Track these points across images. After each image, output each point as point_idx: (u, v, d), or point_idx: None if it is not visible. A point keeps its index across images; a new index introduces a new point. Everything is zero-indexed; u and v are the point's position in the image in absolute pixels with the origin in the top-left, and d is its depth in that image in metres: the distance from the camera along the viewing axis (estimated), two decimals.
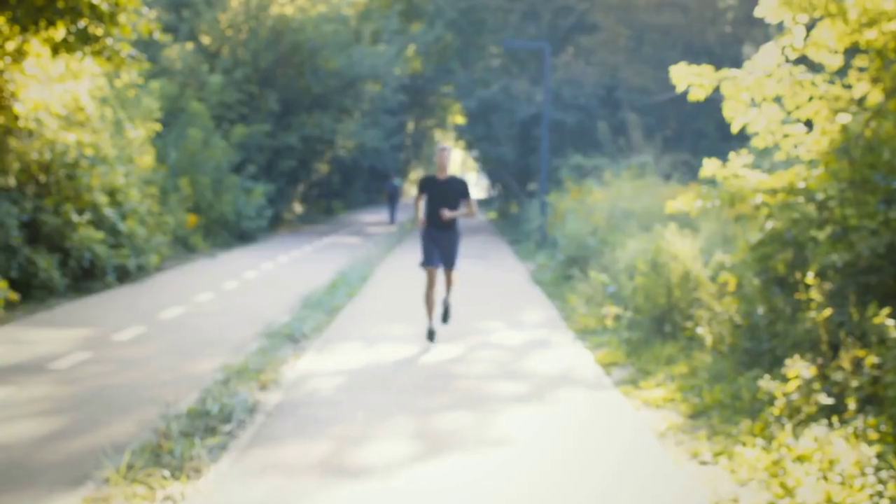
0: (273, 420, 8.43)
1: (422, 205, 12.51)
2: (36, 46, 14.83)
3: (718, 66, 30.40)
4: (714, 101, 10.65)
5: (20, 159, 16.18)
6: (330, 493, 6.50)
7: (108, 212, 18.39)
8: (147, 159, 22.73)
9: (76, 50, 14.01)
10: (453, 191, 12.34)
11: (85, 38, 13.72)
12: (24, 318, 13.86)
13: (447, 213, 12.18)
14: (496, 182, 52.89)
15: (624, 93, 34.88)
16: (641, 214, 18.12)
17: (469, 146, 49.93)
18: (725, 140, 28.89)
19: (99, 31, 13.75)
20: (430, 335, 12.40)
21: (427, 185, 12.42)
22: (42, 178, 16.83)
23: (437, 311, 13.29)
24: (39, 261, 15.75)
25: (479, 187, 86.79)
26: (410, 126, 66.10)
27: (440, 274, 12.81)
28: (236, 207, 30.02)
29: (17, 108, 15.37)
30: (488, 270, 22.64)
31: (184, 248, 25.52)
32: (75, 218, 16.87)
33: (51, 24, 13.64)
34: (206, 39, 35.07)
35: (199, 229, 27.41)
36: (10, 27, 14.14)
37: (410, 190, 79.86)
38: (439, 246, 12.43)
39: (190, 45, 33.44)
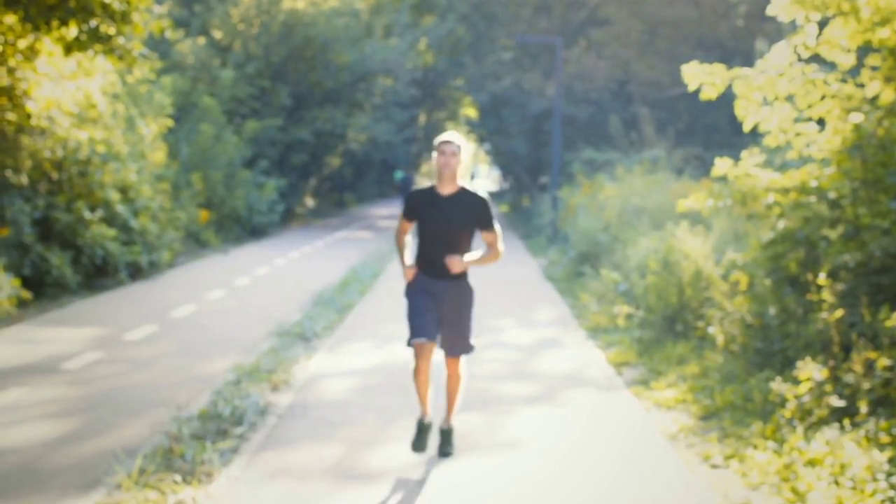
0: (284, 422, 8.44)
1: (409, 241, 7.41)
2: (48, 45, 14.86)
3: (730, 60, 30.31)
4: (726, 95, 10.63)
5: (32, 157, 16.22)
6: (341, 497, 6.51)
7: (121, 208, 18.43)
8: (159, 155, 22.76)
9: (88, 48, 14.03)
10: (463, 217, 7.12)
11: (97, 37, 13.74)
12: (37, 317, 13.90)
13: (456, 263, 7.06)
14: (508, 175, 52.85)
15: (636, 87, 34.80)
16: (653, 211, 18.09)
17: (481, 140, 49.86)
18: (738, 134, 28.79)
19: (111, 30, 13.76)
20: (420, 439, 7.27)
21: (418, 207, 7.20)
22: (54, 175, 16.87)
23: (433, 395, 7.83)
24: (52, 258, 15.79)
25: (490, 179, 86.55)
26: (422, 119, 66.05)
27: (438, 348, 7.36)
28: (248, 202, 30.05)
29: (30, 106, 15.40)
30: (500, 265, 22.63)
31: (196, 243, 25.56)
32: (87, 215, 16.91)
33: (63, 23, 13.66)
34: (217, 34, 35.07)
35: (211, 225, 27.45)
36: (23, 26, 14.16)
37: (422, 183, 79.36)
38: (436, 305, 7.24)
39: (201, 40, 33.45)
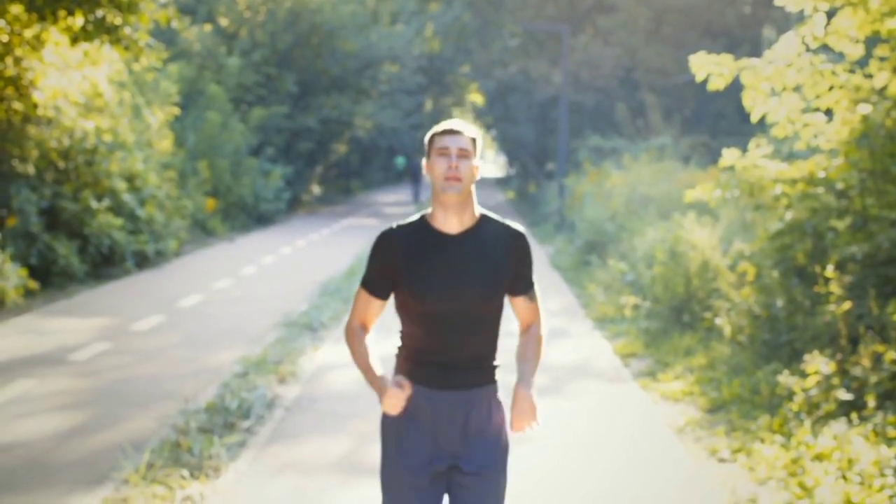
0: (292, 415, 8.45)
1: (368, 345, 4.03)
2: (54, 35, 14.85)
3: (738, 48, 30.19)
4: (734, 83, 10.57)
5: (39, 146, 16.22)
6: (349, 491, 6.52)
7: (127, 197, 18.44)
8: (165, 143, 22.74)
9: (94, 38, 14.01)
10: (492, 273, 3.92)
11: (103, 27, 13.72)
12: (44, 307, 13.92)
13: (527, 413, 3.89)
14: (514, 161, 52.84)
15: (642, 74, 34.70)
16: (660, 200, 18.05)
17: (487, 127, 49.79)
18: (745, 121, 28.72)
19: (117, 20, 13.75)
20: None
21: (401, 261, 3.92)
22: (61, 164, 16.88)
23: None
24: (59, 247, 15.80)
25: (496, 165, 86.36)
26: (428, 105, 65.96)
27: None
28: (255, 190, 30.04)
29: (36, 95, 15.39)
30: None
31: (202, 231, 25.57)
32: (94, 204, 16.92)
33: (69, 12, 13.64)
34: (223, 21, 35.01)
35: (218, 213, 27.45)
36: (29, 15, 14.14)
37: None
38: (443, 474, 3.98)
39: (208, 28, 33.40)
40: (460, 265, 3.88)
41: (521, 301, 4.04)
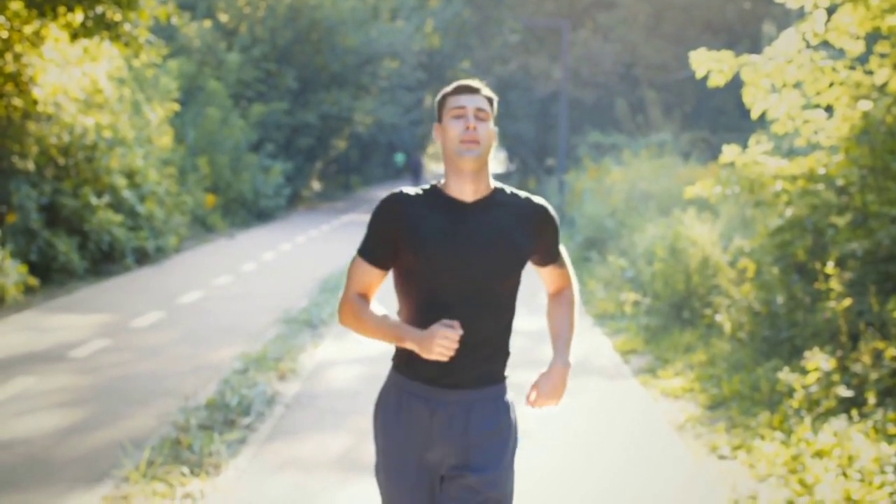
0: (292, 412, 8.45)
1: (372, 313, 3.55)
2: (54, 31, 14.83)
3: (738, 44, 30.16)
4: (734, 79, 10.56)
5: (39, 143, 16.21)
6: (349, 489, 6.52)
7: (127, 194, 18.44)
8: (165, 139, 22.74)
9: (94, 35, 14.00)
10: (511, 245, 3.52)
11: (103, 24, 13.71)
12: (44, 304, 13.92)
13: (550, 390, 3.64)
14: (514, 157, 52.84)
15: (642, 70, 34.70)
16: (660, 196, 18.05)
17: None
18: (745, 117, 28.71)
19: (117, 17, 13.73)
20: None
21: (409, 230, 3.49)
22: (61, 161, 16.87)
23: None
24: (59, 244, 15.80)
25: (496, 160, 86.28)
26: (428, 101, 65.94)
27: None
28: (254, 186, 30.05)
29: (36, 92, 15.37)
30: None
31: (202, 227, 25.57)
32: (94, 200, 16.92)
33: (69, 9, 13.63)
34: (223, 17, 35.00)
35: (218, 209, 27.45)
36: (29, 12, 14.13)
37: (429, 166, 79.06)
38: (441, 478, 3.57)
39: (207, 24, 33.38)
40: (474, 234, 3.47)
41: (551, 270, 3.75)
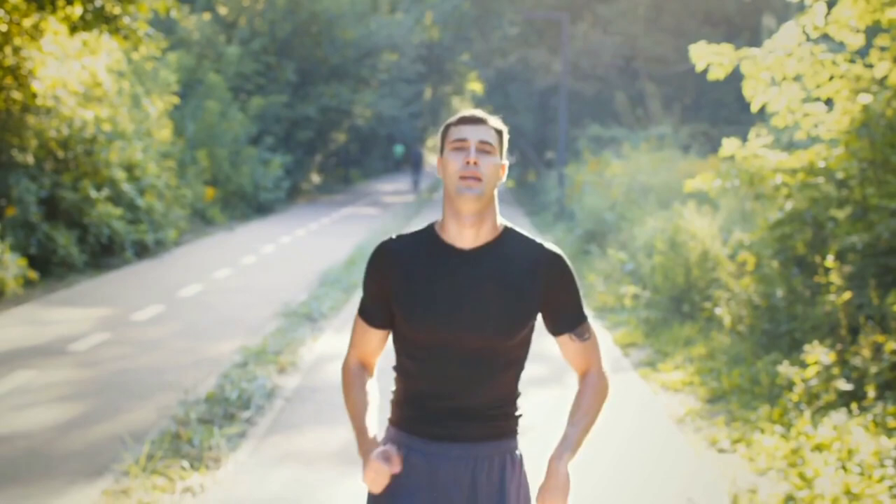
0: (291, 405, 8.45)
1: (371, 389, 3.24)
2: (53, 24, 14.81)
3: (737, 36, 30.09)
4: (734, 72, 10.55)
5: (38, 136, 16.20)
6: (349, 481, 6.52)
7: (126, 187, 18.43)
8: (164, 132, 22.73)
9: (93, 28, 13.98)
10: (517, 301, 3.09)
11: (102, 17, 13.69)
12: (44, 297, 13.92)
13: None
14: (514, 150, 52.87)
15: (642, 63, 34.67)
16: (660, 189, 18.05)
17: None
18: (745, 110, 28.69)
19: (116, 10, 13.72)
20: None
21: (402, 283, 3.13)
22: (60, 154, 16.86)
23: None
24: (58, 237, 15.80)
25: None
26: (428, 94, 65.94)
27: None
28: (254, 179, 30.02)
29: (35, 85, 15.36)
30: None
31: (202, 220, 25.56)
32: (93, 194, 16.90)
33: (68, 2, 13.61)
34: (223, 10, 34.95)
35: (217, 202, 27.44)
36: (28, 5, 14.11)
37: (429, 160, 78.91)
38: None
39: (207, 16, 33.35)
40: (473, 288, 3.05)
41: (566, 341, 3.18)
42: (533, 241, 3.12)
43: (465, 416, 3.10)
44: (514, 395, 3.17)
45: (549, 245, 3.12)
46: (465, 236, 3.09)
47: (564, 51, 29.59)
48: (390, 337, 3.22)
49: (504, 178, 3.11)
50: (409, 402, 3.15)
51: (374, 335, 3.19)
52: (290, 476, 6.62)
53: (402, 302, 3.09)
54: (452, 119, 3.15)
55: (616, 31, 35.63)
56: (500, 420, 3.15)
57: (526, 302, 3.07)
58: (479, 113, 3.12)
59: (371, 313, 3.18)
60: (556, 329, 3.17)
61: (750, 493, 6.38)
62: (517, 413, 3.20)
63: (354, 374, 3.23)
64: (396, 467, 3.06)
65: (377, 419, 3.16)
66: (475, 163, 3.03)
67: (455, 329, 3.04)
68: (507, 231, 3.13)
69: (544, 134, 40.52)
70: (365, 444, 3.10)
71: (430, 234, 3.14)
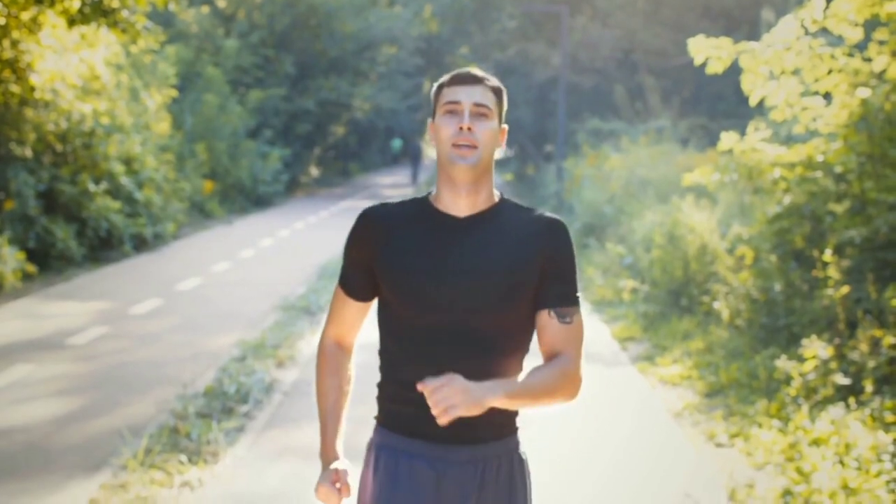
0: (290, 399, 8.46)
1: (348, 376, 3.09)
2: (51, 17, 14.79)
3: (736, 30, 30.08)
4: (732, 65, 10.54)
5: (36, 129, 16.18)
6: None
7: (125, 180, 18.43)
8: (163, 126, 22.71)
9: (91, 21, 13.95)
10: (513, 270, 2.78)
11: (100, 10, 13.67)
12: (42, 291, 13.91)
13: (458, 393, 2.57)
14: (512, 143, 52.84)
15: (641, 56, 34.64)
16: (659, 183, 18.04)
17: None
18: (743, 103, 28.65)
19: (114, 3, 13.69)
20: None
21: (391, 251, 2.84)
22: (58, 147, 16.85)
23: None
24: (57, 231, 15.80)
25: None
26: (427, 87, 65.88)
27: None
28: (253, 172, 30.01)
29: (33, 78, 15.34)
30: None
31: (200, 214, 25.55)
32: (92, 187, 16.90)
33: None
34: (221, 3, 34.91)
35: (216, 195, 27.42)
36: None
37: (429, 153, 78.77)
38: None
39: (205, 9, 33.31)
40: (468, 257, 2.76)
41: (545, 319, 2.79)
42: (532, 210, 2.86)
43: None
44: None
45: (550, 214, 2.86)
46: (460, 205, 2.82)
47: (563, 44, 29.57)
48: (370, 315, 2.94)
49: (504, 145, 2.84)
50: (401, 394, 2.81)
51: (352, 307, 2.93)
52: (288, 470, 6.63)
53: (388, 271, 2.80)
54: (445, 78, 2.85)
55: (615, 24, 35.61)
56: (505, 414, 2.84)
57: (526, 271, 2.76)
58: (474, 71, 2.82)
59: (352, 283, 2.90)
60: (538, 302, 2.78)
61: (747, 488, 6.39)
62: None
63: (330, 354, 3.01)
64: (346, 494, 2.82)
65: (344, 416, 2.96)
66: (469, 129, 2.75)
67: (449, 302, 2.73)
68: (505, 201, 2.88)
69: (543, 127, 40.48)
70: (325, 450, 2.94)
71: (422, 202, 2.88)
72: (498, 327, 2.77)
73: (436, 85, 2.87)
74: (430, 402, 2.54)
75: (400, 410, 2.83)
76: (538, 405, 2.75)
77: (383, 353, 2.88)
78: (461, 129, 2.75)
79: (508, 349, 2.80)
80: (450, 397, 2.53)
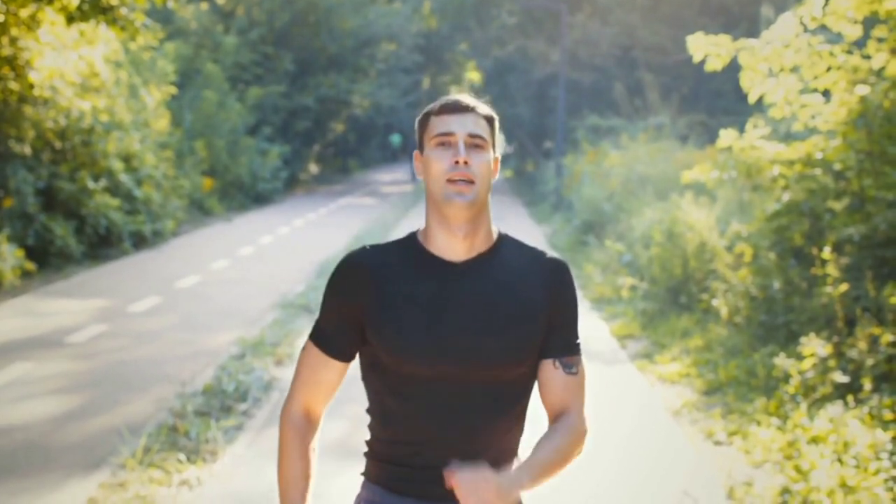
0: None
1: (294, 471, 2.67)
2: (50, 14, 14.78)
3: (735, 26, 30.05)
4: (732, 62, 10.55)
5: (35, 127, 16.18)
6: (346, 474, 6.52)
7: (124, 177, 18.43)
8: (162, 123, 22.70)
9: (90, 18, 13.95)
10: (517, 323, 2.53)
11: (99, 8, 13.66)
12: (41, 288, 13.91)
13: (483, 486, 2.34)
14: (512, 140, 52.84)
15: (640, 52, 34.62)
16: (658, 180, 18.04)
17: None
18: (742, 100, 28.63)
19: (113, 1, 13.69)
20: None
21: (376, 303, 2.53)
22: (57, 144, 16.85)
23: None
24: (56, 228, 15.80)
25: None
26: (426, 83, 65.86)
27: None
28: (252, 169, 30.00)
29: (32, 76, 15.34)
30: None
31: (200, 211, 25.54)
32: (91, 184, 16.90)
33: None
34: None
35: (215, 192, 27.42)
36: None
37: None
38: None
39: (204, 6, 33.29)
40: (470, 307, 2.50)
41: (549, 369, 2.59)
42: (534, 249, 2.63)
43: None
44: (518, 441, 2.64)
45: (552, 253, 2.65)
46: (457, 248, 2.54)
47: (563, 40, 29.56)
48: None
49: (497, 175, 2.59)
50: (394, 453, 2.55)
51: (331, 369, 2.58)
52: None
53: (381, 327, 2.49)
54: (433, 106, 2.58)
55: (614, 20, 35.59)
56: (507, 465, 2.58)
57: (534, 319, 2.54)
58: (464, 99, 2.57)
59: (332, 340, 2.56)
60: (542, 351, 2.58)
61: (746, 486, 6.39)
62: (518, 456, 2.63)
63: (296, 430, 2.62)
64: None
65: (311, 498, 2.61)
66: (465, 162, 2.48)
67: (453, 357, 2.47)
68: (503, 239, 2.62)
69: (542, 124, 40.47)
70: None
71: (410, 244, 2.59)
72: (503, 380, 2.53)
73: (421, 114, 2.61)
74: (459, 495, 2.34)
75: (396, 470, 2.56)
76: (557, 475, 2.63)
77: (377, 410, 2.58)
78: (457, 162, 2.48)
79: (519, 398, 2.58)
80: (482, 493, 2.33)
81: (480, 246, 2.56)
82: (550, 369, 2.58)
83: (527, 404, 2.62)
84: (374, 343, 2.51)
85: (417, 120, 2.61)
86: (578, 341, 2.63)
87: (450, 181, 2.48)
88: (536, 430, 2.68)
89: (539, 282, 2.57)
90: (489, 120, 2.58)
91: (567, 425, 2.60)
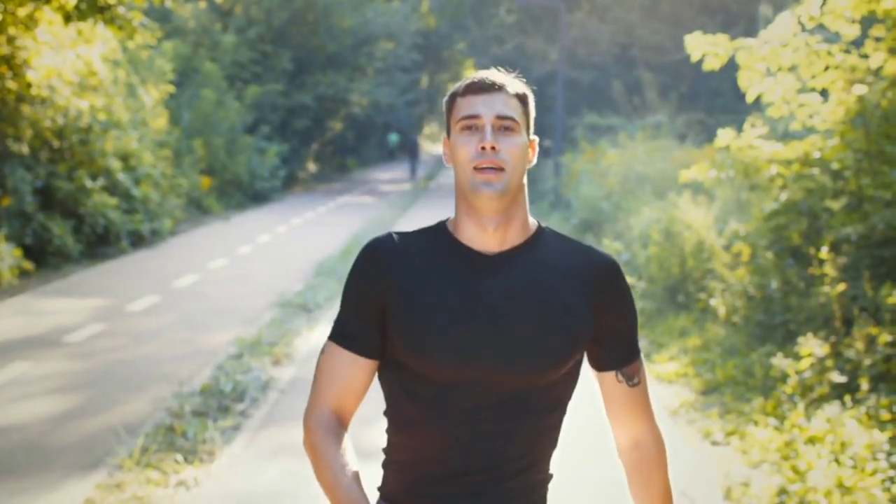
0: (286, 397, 8.45)
1: (336, 464, 2.26)
2: (48, 14, 14.78)
3: (734, 25, 30.07)
4: (730, 61, 10.55)
5: (33, 126, 16.18)
6: None
7: (122, 176, 18.42)
8: (160, 121, 22.69)
9: (88, 17, 13.94)
10: (544, 320, 2.26)
11: (96, 7, 13.66)
12: (39, 287, 13.91)
13: None
14: None
15: (639, 51, 34.63)
16: (656, 179, 18.05)
17: None
18: (740, 99, 28.63)
19: (111, 0, 13.69)
20: None
21: (400, 300, 2.28)
22: (55, 144, 16.84)
23: None
24: (53, 227, 15.79)
25: None
26: (424, 82, 65.87)
27: None
28: (250, 168, 29.99)
29: (30, 75, 15.34)
30: None
31: (198, 210, 25.53)
32: (89, 183, 16.89)
33: None
34: None
35: (213, 191, 27.41)
36: None
37: (429, 148, 78.56)
38: None
39: (203, 4, 33.28)
40: (504, 305, 2.26)
41: (611, 381, 2.41)
42: (579, 244, 2.38)
43: (496, 481, 2.26)
44: (553, 448, 2.41)
45: (601, 250, 2.39)
46: (489, 239, 2.31)
47: (561, 39, 29.54)
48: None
49: (534, 161, 2.36)
50: (416, 463, 2.28)
51: (358, 367, 2.30)
52: (284, 469, 6.63)
53: (404, 323, 2.26)
54: (459, 86, 2.34)
55: (613, 19, 35.60)
56: (536, 481, 2.35)
57: (575, 322, 2.29)
58: (492, 76, 2.32)
59: (356, 336, 2.30)
60: (600, 363, 2.39)
61: (743, 486, 6.39)
62: (550, 471, 2.41)
63: (327, 428, 2.28)
64: None
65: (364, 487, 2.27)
66: (493, 148, 2.25)
67: (480, 359, 2.23)
68: (543, 231, 2.38)
69: (541, 122, 40.42)
70: None
71: (439, 232, 2.35)
72: (543, 386, 2.30)
73: (448, 94, 2.36)
74: None
75: (419, 483, 2.28)
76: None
77: (397, 416, 2.31)
78: (483, 148, 2.25)
79: (554, 408, 2.35)
80: None
81: (514, 239, 2.32)
82: (612, 382, 2.40)
83: (562, 416, 2.39)
84: (393, 339, 2.27)
85: (444, 101, 2.37)
86: (638, 346, 2.42)
87: (476, 169, 2.25)
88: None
89: (584, 282, 2.32)
90: (521, 98, 2.34)
91: (650, 457, 2.48)
